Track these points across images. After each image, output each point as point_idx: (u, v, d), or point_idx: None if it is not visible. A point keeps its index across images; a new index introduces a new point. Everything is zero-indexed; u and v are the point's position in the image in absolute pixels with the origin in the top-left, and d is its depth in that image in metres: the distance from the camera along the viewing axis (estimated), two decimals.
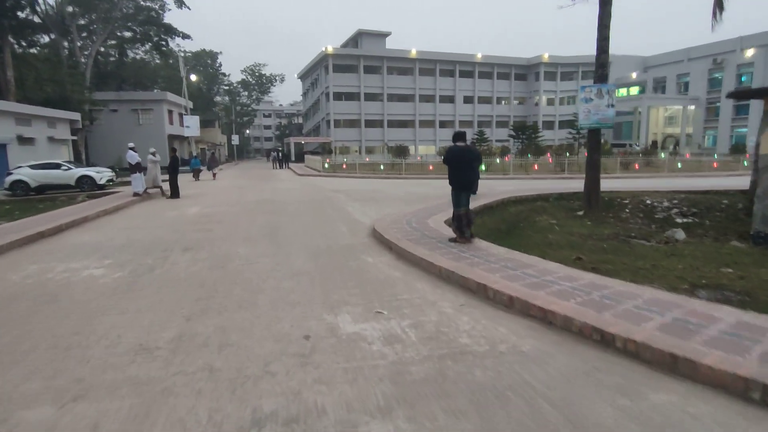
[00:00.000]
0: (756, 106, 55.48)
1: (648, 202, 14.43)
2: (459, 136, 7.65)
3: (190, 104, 43.28)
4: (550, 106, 67.42)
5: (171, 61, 48.33)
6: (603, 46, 12.82)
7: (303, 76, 72.76)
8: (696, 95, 61.79)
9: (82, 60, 37.91)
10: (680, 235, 10.65)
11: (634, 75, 67.93)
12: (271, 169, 36.91)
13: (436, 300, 4.49)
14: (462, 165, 6.93)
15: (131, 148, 14.29)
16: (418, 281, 5.16)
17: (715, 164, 28.23)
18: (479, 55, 63.31)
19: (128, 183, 15.48)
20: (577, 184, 18.99)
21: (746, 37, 60.98)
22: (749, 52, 56.06)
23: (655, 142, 54.61)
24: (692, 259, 7.92)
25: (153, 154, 14.48)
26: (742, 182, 19.74)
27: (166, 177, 14.75)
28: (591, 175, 13.36)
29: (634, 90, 60.76)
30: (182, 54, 55.08)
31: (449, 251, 6.06)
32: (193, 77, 36.02)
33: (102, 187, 19.18)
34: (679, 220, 12.86)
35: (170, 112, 41.47)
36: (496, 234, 9.83)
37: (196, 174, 26.36)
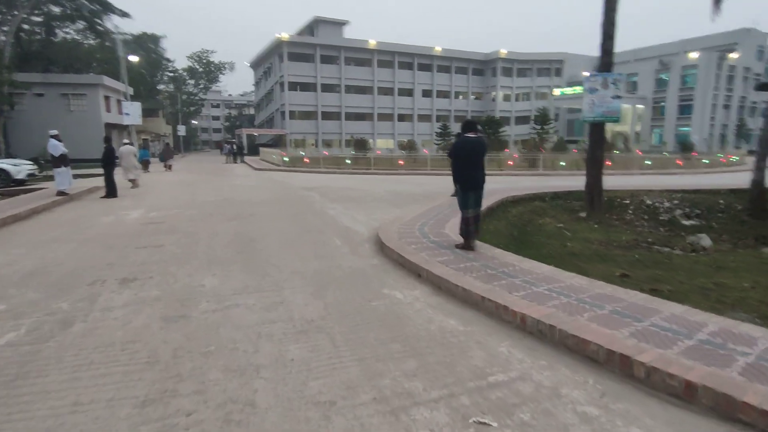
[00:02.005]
0: (699, 106, 58.04)
1: (649, 202, 13.47)
2: (469, 126, 6.27)
3: (131, 90, 39.07)
4: (507, 102, 67.67)
5: (107, 44, 43.56)
6: (609, 31, 11.57)
7: (255, 65, 68.94)
8: (644, 94, 63.85)
9: (2, 37, 33.09)
10: (706, 241, 9.53)
11: (586, 74, 69.19)
12: (224, 163, 33.66)
13: (555, 384, 2.74)
14: (473, 161, 5.96)
15: (53, 137, 11.52)
16: (495, 340, 3.40)
17: (679, 162, 28.42)
18: (438, 49, 62.36)
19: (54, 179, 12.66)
20: (560, 182, 17.99)
21: (689, 40, 63.71)
22: (693, 55, 58.33)
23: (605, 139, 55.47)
24: (747, 273, 6.75)
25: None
26: (718, 180, 19.49)
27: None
28: (593, 174, 12.16)
29: None
30: (120, 34, 50.11)
31: (512, 282, 4.34)
32: (134, 58, 32.16)
33: (21, 182, 16.08)
34: (686, 223, 11.90)
35: (107, 98, 37.32)
36: (514, 243, 8.32)
37: (145, 166, 24.43)
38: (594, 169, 12.05)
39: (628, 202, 13.32)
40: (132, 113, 24.87)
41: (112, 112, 37.80)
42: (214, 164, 32.72)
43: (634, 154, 36.68)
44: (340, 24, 57.79)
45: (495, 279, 4.45)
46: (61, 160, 11.53)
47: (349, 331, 3.52)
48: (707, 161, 29.69)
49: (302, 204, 10.92)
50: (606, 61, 11.79)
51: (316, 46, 54.52)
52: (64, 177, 11.63)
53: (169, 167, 26.07)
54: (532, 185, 16.35)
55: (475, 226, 6.09)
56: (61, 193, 11.64)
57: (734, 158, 32.44)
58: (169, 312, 3.88)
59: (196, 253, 5.98)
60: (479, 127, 6.81)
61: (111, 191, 11.98)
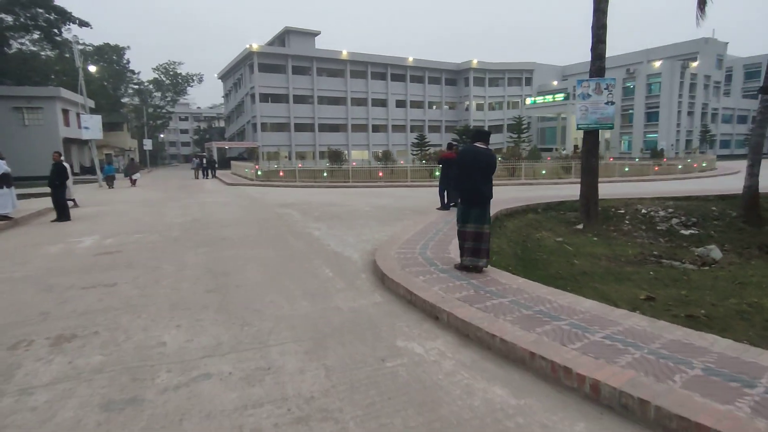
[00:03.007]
0: (665, 113, 59.62)
1: (644, 211, 12.98)
2: (481, 135, 5.80)
3: (91, 102, 37.07)
4: (480, 111, 68.08)
5: (67, 55, 41.40)
6: (600, 35, 11.08)
7: (224, 77, 67.35)
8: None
9: None
10: (716, 253, 8.97)
11: (555, 83, 70.71)
12: (193, 178, 31.44)
13: None
14: (477, 172, 5.43)
15: None
16: (565, 421, 2.50)
17: (656, 168, 28.58)
18: (410, 59, 62.31)
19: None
20: (546, 192, 17.49)
21: (652, 49, 65.77)
22: (657, 64, 60.10)
23: (576, 147, 56.93)
24: None
25: None
26: (700, 186, 19.37)
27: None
28: (588, 184, 11.59)
29: (560, 96, 62.81)
30: (80, 44, 47.85)
31: (558, 327, 3.46)
32: (92, 68, 30.39)
33: None
34: (685, 232, 11.41)
35: (66, 111, 35.29)
36: (521, 264, 7.56)
37: (110, 181, 24.01)
38: (589, 178, 11.48)
39: (623, 211, 12.80)
40: (92, 127, 23.24)
41: (72, 127, 35.75)
42: (182, 179, 31.10)
43: (606, 161, 36.99)
44: (311, 34, 57.02)
45: (535, 323, 3.57)
46: (3, 180, 10.15)
47: (366, 414, 2.56)
48: (681, 167, 29.99)
49: (281, 224, 9.87)
50: (598, 66, 11.30)
51: (288, 56, 53.53)
52: (5, 199, 10.24)
53: (134, 182, 25.34)
54: (519, 195, 15.74)
55: (484, 245, 5.44)
56: (3, 217, 10.24)
57: (704, 164, 32.98)
58: (114, 393, 2.83)
59: (157, 294, 4.89)
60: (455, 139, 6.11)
61: (62, 214, 10.64)
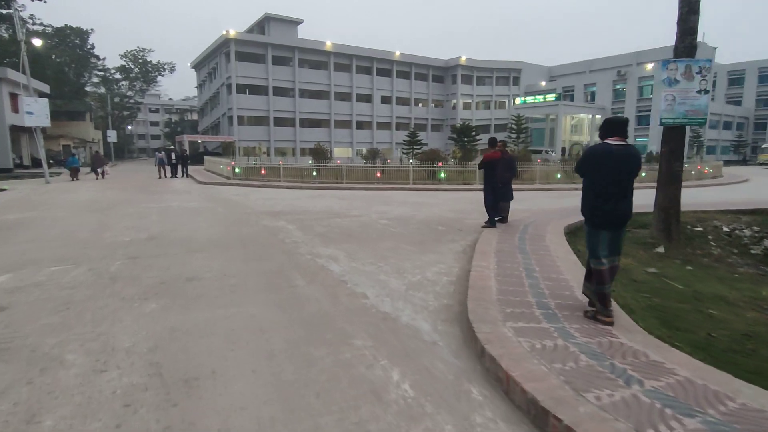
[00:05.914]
0: (656, 117, 58.60)
1: (726, 229, 10.50)
2: (616, 127, 3.86)
3: (45, 87, 32.98)
4: (467, 110, 65.91)
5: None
6: (692, 3, 8.51)
7: (198, 66, 63.10)
8: (602, 105, 64.02)
9: None
10: None
11: (543, 83, 69.16)
12: (158, 177, 24.69)
13: None
14: (615, 182, 3.80)
15: None
16: None
17: None
18: (397, 53, 59.60)
19: None
20: (576, 201, 14.85)
21: (642, 52, 64.94)
22: (649, 66, 59.04)
23: (564, 149, 55.34)
24: None
25: None
26: (738, 195, 16.95)
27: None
28: (670, 195, 8.89)
29: (551, 97, 61.02)
30: (38, 25, 43.29)
31: None
32: (37, 42, 26.31)
33: None
34: None
35: (14, 96, 31.02)
36: (652, 317, 4.87)
37: (75, 173, 22.99)
38: (671, 187, 8.83)
39: (701, 229, 10.28)
40: (36, 112, 19.60)
41: (22, 113, 31.50)
42: (147, 175, 27.38)
43: None
44: (294, 23, 53.56)
45: None
46: None
47: None
48: (693, 173, 28.13)
49: (276, 248, 6.85)
50: (688, 44, 8.68)
51: (268, 45, 49.94)
52: None
53: (102, 175, 24.12)
54: (553, 206, 13.04)
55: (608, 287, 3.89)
56: None
57: (711, 170, 31.33)
58: None
59: None
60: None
61: None
